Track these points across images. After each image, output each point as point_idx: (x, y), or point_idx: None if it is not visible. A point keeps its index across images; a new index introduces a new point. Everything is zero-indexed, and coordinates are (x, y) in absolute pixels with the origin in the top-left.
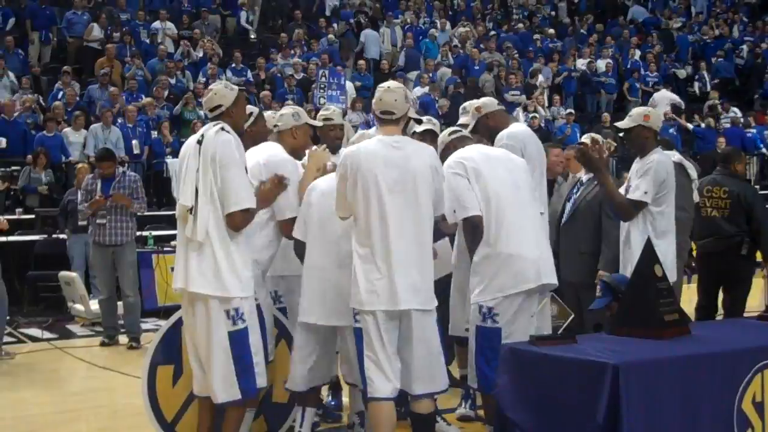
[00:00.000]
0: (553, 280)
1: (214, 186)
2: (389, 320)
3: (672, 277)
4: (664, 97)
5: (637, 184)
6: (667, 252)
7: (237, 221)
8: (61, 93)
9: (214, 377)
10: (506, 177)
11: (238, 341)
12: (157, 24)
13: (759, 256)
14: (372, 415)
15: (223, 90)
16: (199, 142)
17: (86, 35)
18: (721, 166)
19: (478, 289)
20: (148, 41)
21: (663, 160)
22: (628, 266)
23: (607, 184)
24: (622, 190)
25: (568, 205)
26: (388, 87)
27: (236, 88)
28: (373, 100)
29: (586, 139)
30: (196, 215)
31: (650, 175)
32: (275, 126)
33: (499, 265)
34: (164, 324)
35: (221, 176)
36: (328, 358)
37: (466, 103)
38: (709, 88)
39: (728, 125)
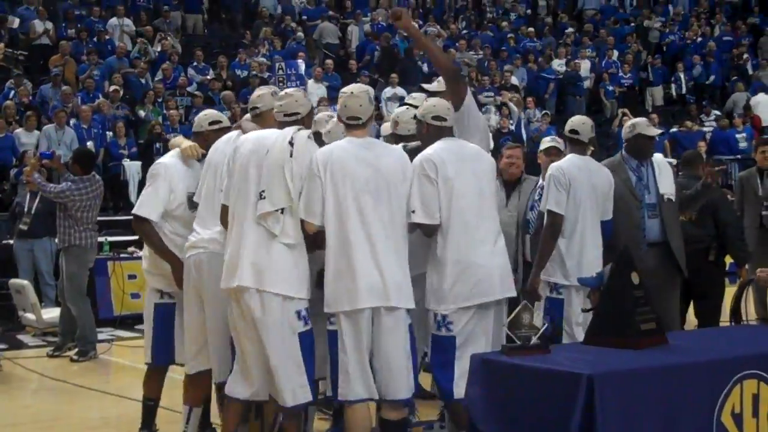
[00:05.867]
0: (511, 292)
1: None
2: (363, 319)
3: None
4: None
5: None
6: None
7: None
8: (12, 92)
9: (283, 381)
10: (472, 183)
11: (307, 343)
12: (114, 20)
13: (728, 264)
14: (348, 419)
15: (303, 99)
16: (291, 144)
17: (31, 32)
18: (685, 169)
19: (433, 297)
20: (96, 39)
21: (556, 164)
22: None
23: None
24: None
25: (531, 214)
26: (351, 92)
27: (309, 99)
28: (338, 107)
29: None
30: (287, 217)
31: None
32: (254, 108)
33: (456, 274)
34: None
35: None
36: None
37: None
38: (684, 90)
39: (711, 129)
